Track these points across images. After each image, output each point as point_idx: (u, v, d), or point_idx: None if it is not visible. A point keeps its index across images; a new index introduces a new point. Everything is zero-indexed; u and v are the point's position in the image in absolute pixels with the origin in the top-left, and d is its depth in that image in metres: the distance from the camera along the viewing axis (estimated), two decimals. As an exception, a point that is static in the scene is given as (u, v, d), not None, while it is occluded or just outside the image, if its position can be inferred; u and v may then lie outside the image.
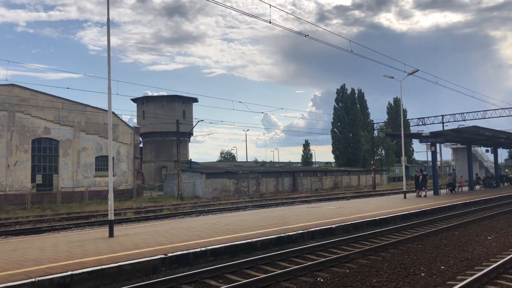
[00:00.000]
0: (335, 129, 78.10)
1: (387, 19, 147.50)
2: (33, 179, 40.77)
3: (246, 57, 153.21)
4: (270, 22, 15.09)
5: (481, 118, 43.64)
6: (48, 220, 23.58)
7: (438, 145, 33.36)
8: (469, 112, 44.68)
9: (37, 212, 28.95)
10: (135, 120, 69.23)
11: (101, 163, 44.89)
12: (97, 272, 7.91)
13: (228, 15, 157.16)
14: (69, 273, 7.58)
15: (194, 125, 57.52)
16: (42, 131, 41.48)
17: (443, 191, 31.69)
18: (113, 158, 13.59)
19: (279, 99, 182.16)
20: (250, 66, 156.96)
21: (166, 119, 59.34)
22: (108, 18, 12.24)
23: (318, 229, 13.05)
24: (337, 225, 13.85)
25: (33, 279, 7.11)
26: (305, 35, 17.66)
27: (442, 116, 47.71)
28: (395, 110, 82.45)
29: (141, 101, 70.85)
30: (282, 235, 11.85)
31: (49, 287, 7.24)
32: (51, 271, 7.65)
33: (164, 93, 73.05)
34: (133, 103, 72.67)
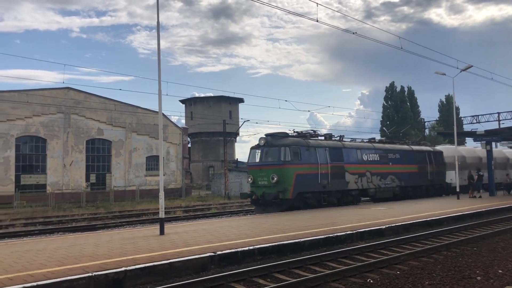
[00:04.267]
0: (384, 128, 76.20)
1: (437, 14, 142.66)
2: (87, 178, 42.52)
3: (292, 57, 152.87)
4: (317, 21, 14.99)
5: (540, 115, 41.29)
6: (101, 218, 24.54)
7: (493, 144, 31.63)
8: (528, 109, 42.43)
9: (92, 210, 30.17)
10: (183, 121, 70.66)
11: (152, 162, 46.17)
12: (149, 268, 8.14)
13: (274, 15, 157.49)
14: (123, 269, 7.84)
15: (240, 125, 57.96)
16: (96, 132, 43.17)
17: (499, 192, 30.23)
18: (163, 158, 14.04)
19: (325, 98, 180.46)
20: (295, 66, 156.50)
21: (213, 120, 60.20)
22: (158, 23, 12.56)
23: (367, 230, 12.82)
24: (386, 226, 13.56)
25: (90, 274, 7.41)
26: (353, 33, 17.41)
27: (498, 113, 45.59)
28: (447, 107, 79.49)
29: (189, 102, 72.24)
30: (330, 235, 11.73)
31: (104, 282, 7.53)
32: (106, 267, 7.95)
33: (211, 94, 74.14)
34: (181, 104, 74.25)
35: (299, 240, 10.94)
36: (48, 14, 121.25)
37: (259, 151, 20.64)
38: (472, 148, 36.03)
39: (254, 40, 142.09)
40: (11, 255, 9.52)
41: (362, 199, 24.74)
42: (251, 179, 20.72)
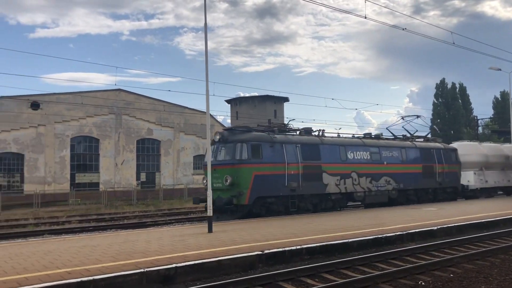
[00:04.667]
0: (434, 126, 73.88)
1: (491, 7, 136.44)
2: (137, 177, 43.90)
3: (338, 54, 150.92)
4: (365, 17, 14.75)
5: None
6: (151, 215, 25.25)
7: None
8: None
9: (142, 207, 31.09)
10: (228, 121, 71.38)
11: (199, 162, 46.98)
12: (199, 265, 8.30)
13: (319, 13, 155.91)
14: (174, 265, 8.04)
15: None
16: (146, 132, 44.46)
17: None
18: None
19: (373, 96, 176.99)
20: (341, 63, 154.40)
21: (258, 119, 60.40)
22: (205, 25, 12.77)
23: (418, 231, 12.47)
24: (438, 227, 13.14)
25: (142, 270, 7.65)
26: (403, 29, 17.02)
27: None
28: (502, 104, 75.84)
29: (235, 102, 72.90)
30: (379, 236, 11.51)
31: (156, 278, 7.75)
32: (157, 263, 8.17)
33: (256, 94, 74.41)
34: (227, 104, 75.06)
35: (347, 240, 10.81)
36: (100, 19, 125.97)
37: (214, 148, 17.83)
38: (498, 145, 32.21)
39: (299, 38, 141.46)
40: (69, 250, 9.98)
41: (352, 204, 21.87)
42: (206, 181, 17.12)
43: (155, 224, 20.40)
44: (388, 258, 9.98)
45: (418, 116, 26.39)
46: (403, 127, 26.61)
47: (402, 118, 26.33)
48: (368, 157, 20.97)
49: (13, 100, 38.84)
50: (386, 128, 27.01)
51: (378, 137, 23.79)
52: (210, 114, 15.59)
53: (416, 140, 25.36)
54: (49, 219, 24.09)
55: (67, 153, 41.14)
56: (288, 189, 17.60)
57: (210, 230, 12.53)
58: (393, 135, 25.31)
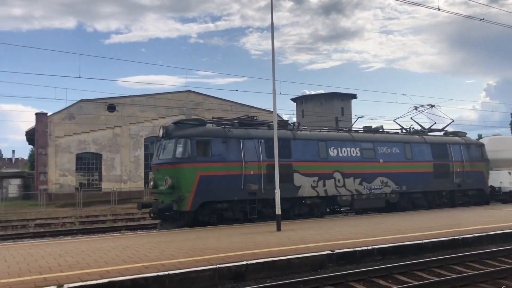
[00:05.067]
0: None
1: None
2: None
3: (407, 48, 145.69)
4: (438, 9, 14.11)
5: None
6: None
7: None
8: None
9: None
10: (294, 119, 71.26)
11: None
12: (269, 263, 8.37)
13: (387, 7, 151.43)
14: (244, 262, 8.17)
15: (353, 122, 56.79)
16: (214, 131, 45.40)
17: None
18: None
19: (446, 90, 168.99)
20: (411, 58, 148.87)
21: (325, 117, 59.75)
22: (272, 24, 12.84)
23: (499, 233, 11.74)
24: (522, 229, 12.29)
25: (214, 266, 7.85)
26: (481, 19, 16.08)
27: None
28: None
29: (300, 100, 72.59)
30: (456, 237, 10.97)
31: (227, 274, 7.91)
32: (228, 260, 8.34)
33: (322, 91, 73.69)
34: (292, 102, 74.93)
35: (421, 241, 10.42)
36: (169, 23, 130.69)
37: (159, 144, 16.18)
38: None
39: (366, 33, 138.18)
40: (145, 245, 10.45)
41: (346, 210, 18.89)
42: (153, 182, 15.90)
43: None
44: (466, 261, 9.50)
45: (432, 106, 22.68)
46: (411, 118, 23.18)
47: (415, 108, 22.94)
48: (358, 154, 18.10)
49: (91, 103, 41.31)
50: (393, 121, 23.80)
51: (376, 130, 20.26)
52: (277, 113, 15.62)
53: (429, 133, 22.11)
54: (125, 215, 25.39)
55: (141, 152, 43.09)
56: (245, 192, 15.25)
57: (278, 228, 12.58)
58: (403, 128, 22.19)
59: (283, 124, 17.94)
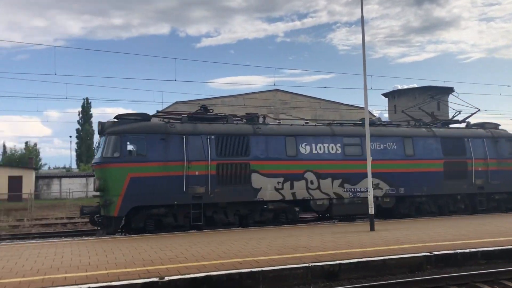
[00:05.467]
0: None
1: None
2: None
3: (511, 36, 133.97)
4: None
5: None
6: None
7: None
8: None
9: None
10: (386, 115, 68.86)
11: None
12: (363, 263, 8.17)
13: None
14: (337, 262, 8.05)
15: (451, 117, 53.58)
16: (302, 129, 45.39)
17: None
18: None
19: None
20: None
21: (420, 112, 57.03)
22: (362, 17, 12.55)
23: None
24: None
25: (306, 264, 7.84)
26: None
27: None
28: None
29: (392, 95, 69.90)
30: None
31: (320, 273, 7.86)
32: (321, 259, 8.28)
33: (415, 85, 70.34)
34: (383, 97, 72.46)
35: (532, 245, 9.54)
36: (256, 23, 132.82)
37: (97, 141, 14.75)
38: None
39: (463, 22, 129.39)
40: (238, 241, 10.73)
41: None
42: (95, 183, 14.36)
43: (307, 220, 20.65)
44: None
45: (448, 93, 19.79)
46: (419, 108, 20.09)
47: (432, 97, 20.26)
48: (339, 151, 15.67)
49: (185, 105, 43.28)
50: (402, 111, 20.50)
51: (373, 123, 16.85)
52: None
53: (449, 125, 19.09)
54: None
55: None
56: (189, 196, 13.66)
57: (372, 228, 12.27)
58: (413, 119, 19.13)
59: (248, 117, 16.14)
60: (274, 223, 14.69)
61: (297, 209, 15.58)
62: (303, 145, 15.25)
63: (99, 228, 13.96)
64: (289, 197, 14.87)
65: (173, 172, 13.58)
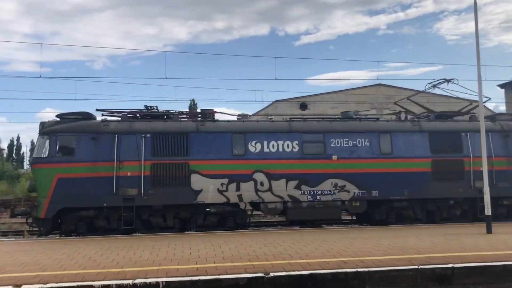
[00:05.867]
0: None
1: None
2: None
3: None
4: None
5: None
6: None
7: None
8: None
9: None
10: (502, 108, 63.11)
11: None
12: (480, 268, 7.56)
13: None
14: (450, 265, 7.55)
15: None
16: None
17: None
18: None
19: None
20: None
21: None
22: (475, 2, 11.66)
23: None
24: None
25: (416, 266, 7.46)
26: None
27: None
28: None
29: (510, 86, 63.90)
30: None
31: (431, 276, 7.43)
32: (431, 261, 7.83)
33: (538, 74, 63.46)
34: (499, 88, 66.49)
35: None
36: (356, 17, 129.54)
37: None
38: None
39: None
40: (342, 240, 10.57)
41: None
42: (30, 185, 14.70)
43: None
44: None
45: (448, 80, 16.71)
46: (408, 98, 17.55)
47: (434, 86, 17.02)
48: (296, 149, 14.27)
49: (285, 103, 43.63)
50: (394, 103, 17.78)
51: (348, 117, 15.54)
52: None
53: (448, 118, 16.68)
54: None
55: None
56: (119, 198, 13.14)
57: (489, 230, 11.33)
58: (408, 111, 16.60)
59: (193, 114, 15.46)
60: (220, 228, 13.88)
61: (249, 212, 14.86)
62: (253, 143, 14.20)
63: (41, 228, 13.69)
64: (234, 199, 13.91)
65: (103, 173, 13.24)
